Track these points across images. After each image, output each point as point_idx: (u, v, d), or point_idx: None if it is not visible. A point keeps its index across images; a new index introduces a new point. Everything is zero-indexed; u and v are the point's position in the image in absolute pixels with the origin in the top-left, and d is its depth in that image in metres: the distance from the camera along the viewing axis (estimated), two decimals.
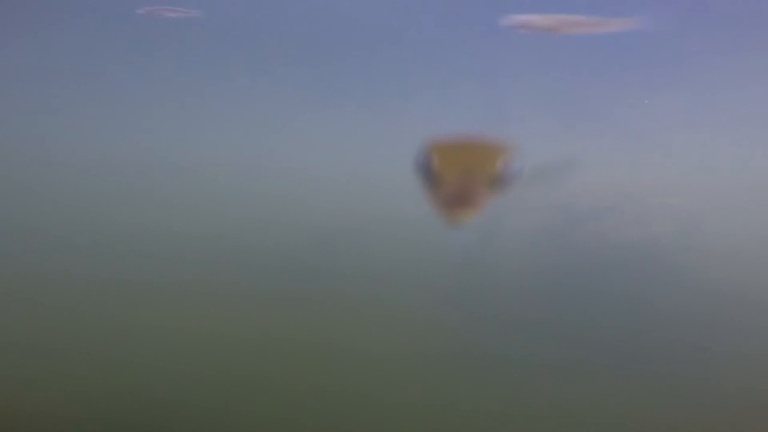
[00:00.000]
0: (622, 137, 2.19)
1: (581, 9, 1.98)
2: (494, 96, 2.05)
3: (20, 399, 2.15)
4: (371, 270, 2.25)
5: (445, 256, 1.94)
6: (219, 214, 2.33)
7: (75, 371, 2.20)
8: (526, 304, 2.20)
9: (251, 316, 2.26)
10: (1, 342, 2.21)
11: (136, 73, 2.36)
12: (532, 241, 2.20)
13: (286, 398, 2.14)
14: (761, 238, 2.14)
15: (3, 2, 2.28)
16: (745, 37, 2.10)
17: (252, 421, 2.12)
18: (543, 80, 2.13)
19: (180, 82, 2.37)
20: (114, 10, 2.21)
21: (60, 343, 2.23)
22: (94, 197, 2.38)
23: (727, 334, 2.10)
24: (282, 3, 2.23)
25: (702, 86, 2.17)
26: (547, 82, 2.15)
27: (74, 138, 2.38)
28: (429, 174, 1.21)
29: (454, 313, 2.21)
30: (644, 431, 2.07)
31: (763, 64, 2.10)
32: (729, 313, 2.12)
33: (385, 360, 2.18)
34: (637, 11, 1.93)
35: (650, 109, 2.17)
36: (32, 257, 2.34)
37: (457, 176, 1.17)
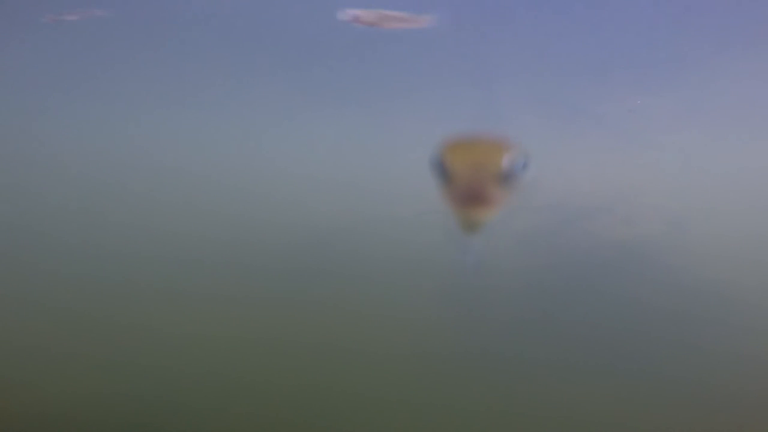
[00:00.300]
0: (612, 137, 2.20)
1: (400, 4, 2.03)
2: (488, 95, 2.06)
3: (20, 399, 2.15)
4: (371, 270, 2.26)
5: (444, 256, 1.95)
6: (217, 214, 2.33)
7: (74, 371, 2.20)
8: (518, 304, 2.20)
9: (251, 316, 2.26)
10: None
11: (136, 73, 2.37)
12: (523, 242, 2.20)
13: (285, 398, 2.14)
14: (752, 238, 2.15)
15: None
16: (736, 36, 2.13)
17: (252, 421, 2.12)
18: (542, 80, 2.15)
19: (180, 82, 2.38)
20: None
21: (59, 343, 2.22)
22: (94, 197, 2.38)
23: (719, 334, 2.10)
24: (282, 3, 2.24)
25: (693, 86, 2.18)
26: (541, 81, 2.17)
27: (74, 138, 2.38)
28: (443, 173, 1.24)
29: (450, 313, 2.22)
30: (640, 430, 2.09)
31: (755, 64, 2.12)
32: (721, 313, 2.12)
33: (385, 360, 2.19)
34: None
35: (641, 109, 2.19)
36: (31, 257, 2.34)
37: (468, 173, 1.20)
